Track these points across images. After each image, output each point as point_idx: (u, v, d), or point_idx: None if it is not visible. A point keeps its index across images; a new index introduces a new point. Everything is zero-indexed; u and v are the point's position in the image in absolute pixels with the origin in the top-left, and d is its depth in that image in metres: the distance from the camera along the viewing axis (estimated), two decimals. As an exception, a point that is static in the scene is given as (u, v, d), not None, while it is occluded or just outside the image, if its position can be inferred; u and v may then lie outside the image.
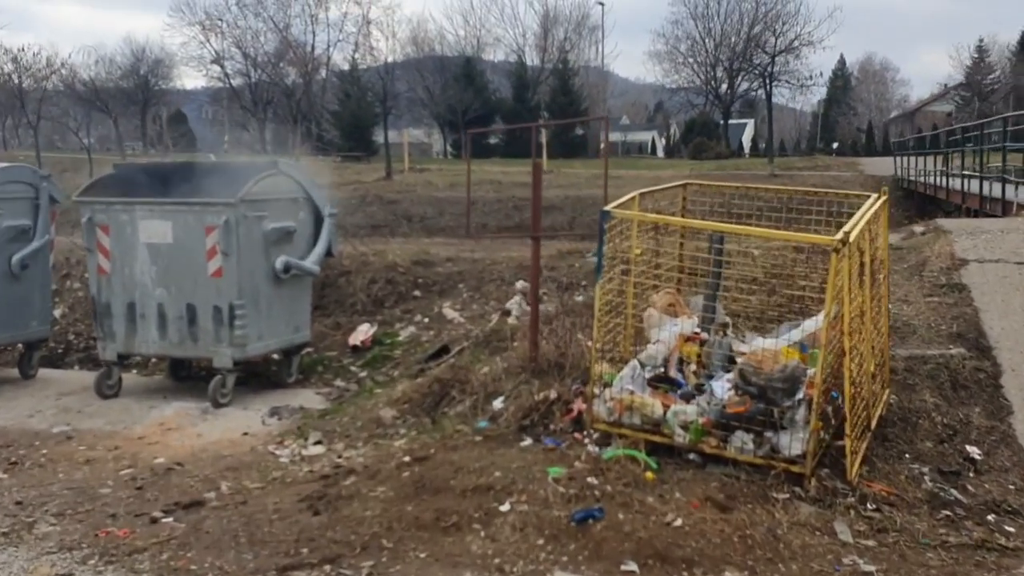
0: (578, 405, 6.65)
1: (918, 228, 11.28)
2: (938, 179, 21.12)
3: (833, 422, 5.83)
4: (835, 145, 71.62)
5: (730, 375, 6.09)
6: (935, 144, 26.51)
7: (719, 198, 7.57)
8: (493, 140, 56.11)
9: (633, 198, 6.36)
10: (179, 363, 9.37)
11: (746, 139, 71.60)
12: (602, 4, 59.87)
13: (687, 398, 6.10)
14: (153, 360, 9.91)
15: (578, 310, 8.71)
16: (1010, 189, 14.16)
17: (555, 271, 10.45)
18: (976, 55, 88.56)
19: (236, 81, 59.42)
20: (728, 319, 7.09)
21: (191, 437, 7.59)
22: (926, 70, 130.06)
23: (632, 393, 6.02)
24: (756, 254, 8.03)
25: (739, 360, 6.13)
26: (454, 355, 8.98)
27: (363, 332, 9.85)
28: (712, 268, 6.86)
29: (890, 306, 7.91)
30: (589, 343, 7.98)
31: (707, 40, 55.02)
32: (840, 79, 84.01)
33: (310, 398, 8.66)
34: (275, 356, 9.22)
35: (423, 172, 40.07)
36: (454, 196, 34.14)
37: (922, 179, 23.82)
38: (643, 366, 6.34)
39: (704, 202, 7.46)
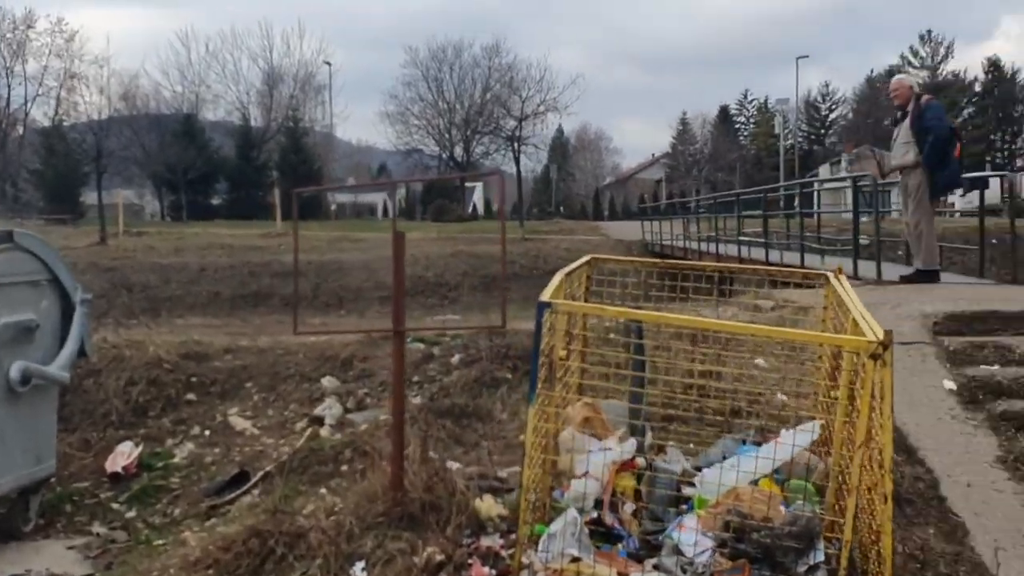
0: (477, 570, 4.82)
1: (764, 302, 10.27)
2: (708, 245, 20.85)
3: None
4: (561, 209, 73.62)
5: (689, 520, 4.51)
6: (691, 209, 26.65)
7: (632, 276, 6.01)
8: (216, 201, 52.77)
9: (560, 283, 4.66)
10: None
11: (476, 201, 71.89)
12: (329, 64, 57.91)
13: (637, 558, 4.44)
14: None
15: (423, 417, 6.89)
16: (813, 258, 13.67)
17: (369, 362, 8.54)
18: (681, 127, 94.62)
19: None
20: (650, 437, 5.48)
21: None
22: (634, 140, 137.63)
23: (577, 560, 4.28)
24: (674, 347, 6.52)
25: (704, 498, 4.57)
26: (256, 483, 6.88)
27: (124, 454, 7.49)
28: (632, 369, 5.24)
29: (791, 402, 6.70)
30: (455, 466, 6.20)
31: (440, 102, 54.52)
32: (559, 146, 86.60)
33: (60, 556, 6.24)
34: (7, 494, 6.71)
35: (141, 236, 36.74)
36: (180, 263, 31.21)
37: (682, 244, 23.67)
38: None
39: (614, 281, 5.88)
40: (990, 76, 79.86)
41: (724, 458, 5.10)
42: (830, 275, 5.42)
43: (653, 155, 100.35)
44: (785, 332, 4.42)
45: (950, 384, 7.38)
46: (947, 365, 7.62)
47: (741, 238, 17.49)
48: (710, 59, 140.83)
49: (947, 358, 7.68)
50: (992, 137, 79.39)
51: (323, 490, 6.44)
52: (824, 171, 61.51)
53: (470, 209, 63.70)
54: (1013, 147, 79.62)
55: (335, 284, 30.07)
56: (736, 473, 4.67)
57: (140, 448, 7.58)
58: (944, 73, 79.42)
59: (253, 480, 6.89)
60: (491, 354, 7.80)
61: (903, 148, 10.91)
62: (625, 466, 4.93)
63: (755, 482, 4.62)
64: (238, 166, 50.91)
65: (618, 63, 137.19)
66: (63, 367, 6.64)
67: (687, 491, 4.88)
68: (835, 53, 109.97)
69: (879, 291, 10.42)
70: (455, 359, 8.19)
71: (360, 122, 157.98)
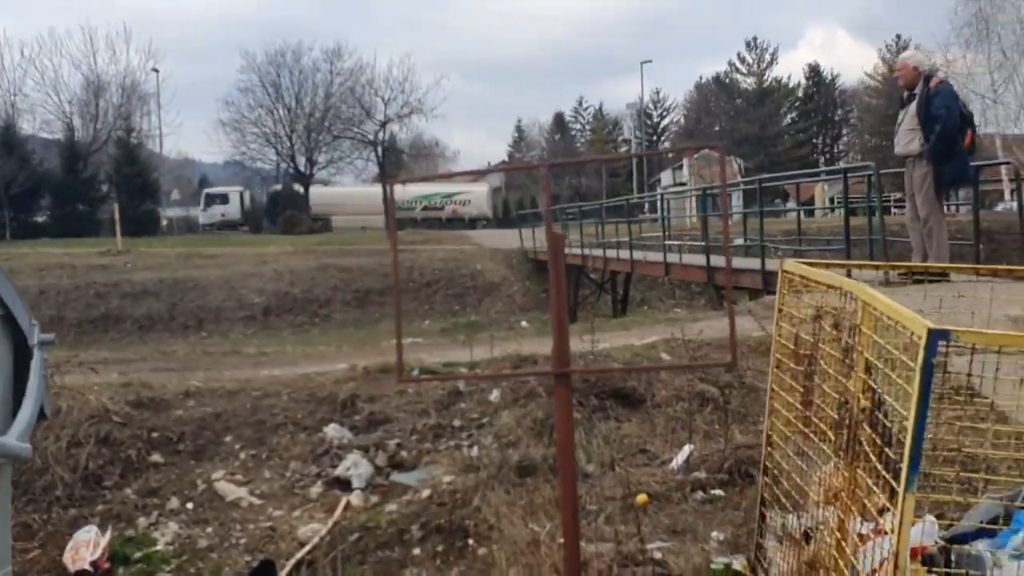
0: None
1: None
2: (618, 252, 19.80)
3: None
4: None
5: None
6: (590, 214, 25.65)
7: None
8: (40, 218, 48.51)
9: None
10: None
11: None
12: (157, 71, 54.16)
13: None
14: None
15: (504, 476, 5.40)
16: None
17: (378, 403, 6.92)
18: (516, 134, 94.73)
19: None
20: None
21: None
22: (468, 148, 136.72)
23: None
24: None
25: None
26: None
27: (88, 543, 5.64)
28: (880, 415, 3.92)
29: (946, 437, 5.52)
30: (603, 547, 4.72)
31: (278, 109, 51.77)
32: (392, 154, 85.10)
33: None
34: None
35: (-43, 257, 33.07)
36: (18, 286, 28.06)
37: (579, 251, 22.63)
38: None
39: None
40: (811, 82, 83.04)
41: (984, 528, 3.85)
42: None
43: (488, 163, 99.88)
44: None
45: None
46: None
47: (670, 243, 16.48)
48: (539, 69, 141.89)
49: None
50: (815, 140, 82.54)
51: (403, 586, 4.88)
52: (666, 176, 62.16)
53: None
54: (835, 150, 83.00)
55: (192, 304, 27.70)
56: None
57: (108, 534, 5.75)
58: (769, 79, 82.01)
59: (284, 572, 5.22)
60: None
61: (908, 135, 10.03)
62: (912, 554, 3.61)
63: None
64: (64, 180, 46.74)
65: (447, 72, 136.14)
66: (21, 436, 4.80)
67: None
68: (660, 62, 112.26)
69: (912, 291, 9.47)
70: (494, 396, 6.68)
71: (186, 134, 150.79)
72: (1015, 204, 15.25)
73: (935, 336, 2.74)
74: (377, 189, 45.43)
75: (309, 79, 50.92)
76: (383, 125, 39.84)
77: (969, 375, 3.16)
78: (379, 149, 39.49)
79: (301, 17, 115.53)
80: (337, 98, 49.49)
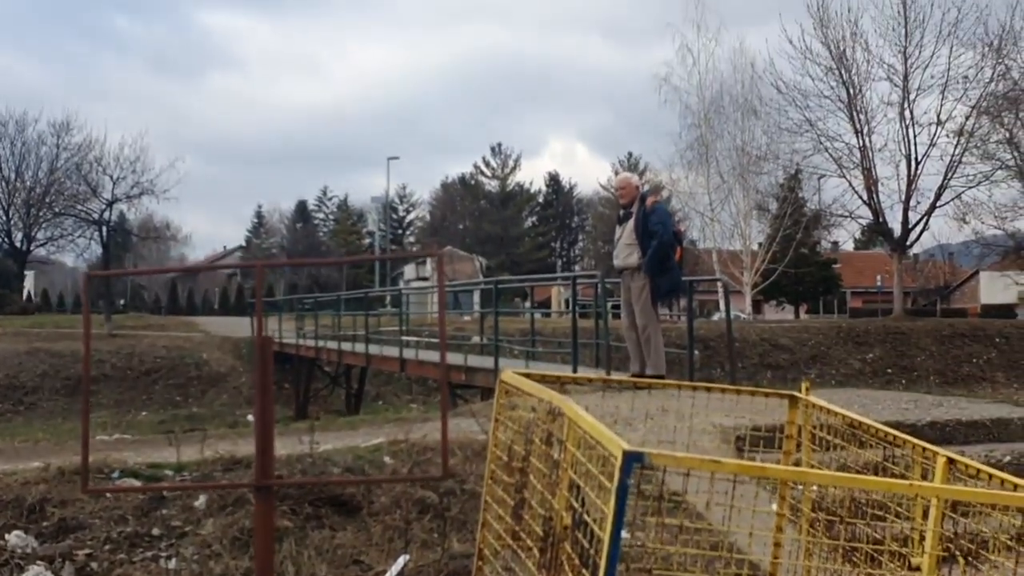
0: None
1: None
2: (354, 345, 19.54)
3: None
4: (122, 303, 68.71)
5: None
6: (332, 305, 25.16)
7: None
8: None
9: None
10: None
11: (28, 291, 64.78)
12: None
13: None
14: None
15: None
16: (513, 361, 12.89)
17: (70, 508, 6.29)
18: (256, 220, 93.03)
19: None
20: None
21: None
22: (202, 231, 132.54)
23: None
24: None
25: None
26: None
27: None
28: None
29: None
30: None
31: (-4, 182, 48.19)
32: (120, 234, 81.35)
33: None
34: None
35: None
36: None
37: (313, 343, 22.20)
38: None
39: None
40: (550, 189, 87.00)
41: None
42: (801, 395, 4.46)
43: (225, 247, 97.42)
44: None
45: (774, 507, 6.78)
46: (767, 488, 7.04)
47: (407, 338, 16.44)
48: (283, 156, 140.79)
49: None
50: (553, 244, 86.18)
51: None
52: (410, 270, 62.72)
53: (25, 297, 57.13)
54: (571, 254, 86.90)
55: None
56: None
57: None
58: (512, 184, 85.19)
59: None
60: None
61: (627, 249, 10.58)
62: None
63: None
64: None
65: (185, 152, 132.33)
66: None
67: None
68: (407, 158, 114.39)
69: (623, 397, 9.77)
70: (200, 502, 6.25)
71: None
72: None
73: (630, 458, 2.74)
74: None
75: (33, 152, 47.88)
76: (110, 205, 37.73)
77: (660, 497, 3.19)
78: (103, 229, 37.33)
79: (27, 85, 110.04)
80: (62, 173, 46.66)
